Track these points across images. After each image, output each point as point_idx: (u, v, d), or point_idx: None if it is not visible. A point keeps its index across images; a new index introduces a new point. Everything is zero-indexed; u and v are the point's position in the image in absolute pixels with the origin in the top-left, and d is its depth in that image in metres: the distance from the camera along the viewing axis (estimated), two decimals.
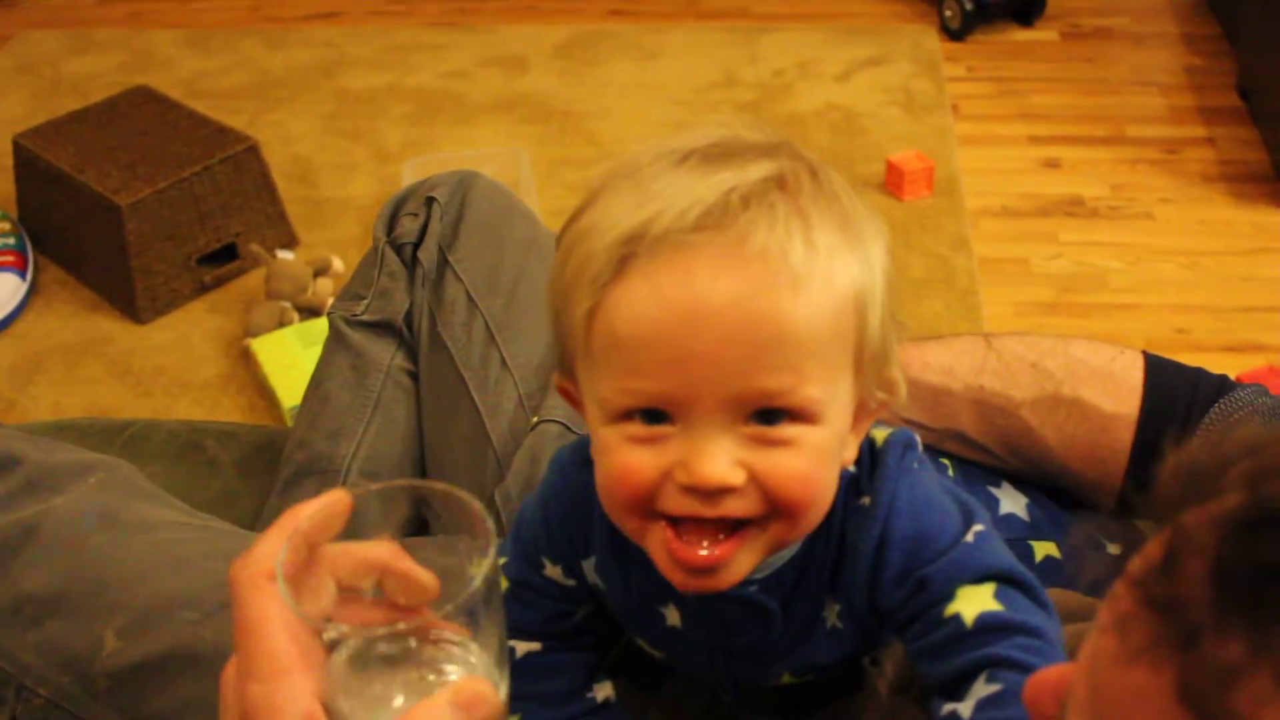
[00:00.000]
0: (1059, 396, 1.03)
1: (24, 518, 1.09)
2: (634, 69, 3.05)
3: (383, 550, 0.67)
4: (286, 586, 0.64)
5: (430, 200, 1.30)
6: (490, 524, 0.66)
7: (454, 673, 0.66)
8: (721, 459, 0.68)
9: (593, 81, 3.00)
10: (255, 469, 1.37)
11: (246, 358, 2.17)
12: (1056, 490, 1.08)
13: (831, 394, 0.70)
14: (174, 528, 1.12)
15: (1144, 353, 1.06)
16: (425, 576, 0.66)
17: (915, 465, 0.79)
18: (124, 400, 2.12)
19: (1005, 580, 0.76)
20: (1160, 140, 2.80)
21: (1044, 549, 1.04)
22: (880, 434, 0.80)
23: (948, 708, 0.73)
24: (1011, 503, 1.05)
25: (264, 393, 2.10)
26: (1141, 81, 3.01)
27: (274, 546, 0.65)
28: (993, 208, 2.60)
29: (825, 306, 0.68)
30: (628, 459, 0.70)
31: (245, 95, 2.96)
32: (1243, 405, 1.00)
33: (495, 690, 0.65)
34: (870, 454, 0.79)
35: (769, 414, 0.69)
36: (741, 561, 0.71)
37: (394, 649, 0.67)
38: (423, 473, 1.29)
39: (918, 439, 0.80)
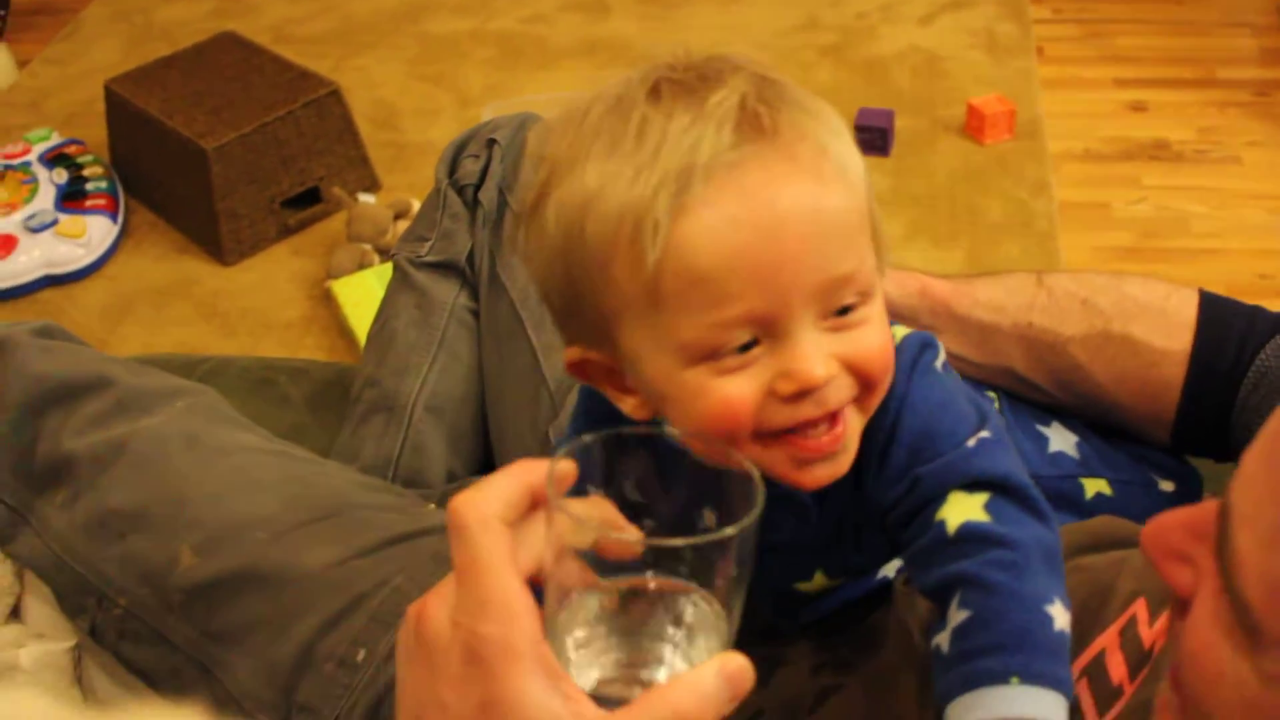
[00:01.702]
0: (1109, 333, 1.03)
1: (113, 436, 1.15)
2: (716, 12, 3.04)
3: (602, 508, 0.66)
4: (563, 506, 0.63)
5: (491, 142, 1.33)
6: (758, 482, 0.65)
7: (699, 638, 0.65)
8: (819, 356, 0.70)
9: (674, 25, 3.00)
10: (325, 404, 1.41)
11: (328, 299, 2.21)
12: (1109, 426, 1.08)
13: (873, 264, 0.73)
14: (253, 452, 1.17)
15: (1200, 290, 1.05)
16: (635, 535, 0.65)
17: (937, 365, 0.80)
18: (210, 340, 2.19)
19: (1000, 489, 0.76)
20: (1251, 82, 2.74)
21: (1095, 486, 1.04)
22: (900, 331, 0.81)
23: (934, 640, 0.74)
24: (1061, 440, 1.06)
25: (344, 333, 2.15)
26: (1233, 23, 2.94)
27: (502, 490, 0.64)
28: (1075, 151, 2.57)
29: (860, 187, 0.72)
30: (727, 392, 0.71)
31: (330, 40, 3.00)
32: None
33: (744, 666, 0.64)
34: None
35: (843, 307, 0.71)
36: (853, 437, 0.74)
37: (630, 606, 0.66)
38: (483, 409, 1.33)
39: (938, 342, 0.82)
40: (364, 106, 2.66)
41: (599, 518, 0.65)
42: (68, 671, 1.21)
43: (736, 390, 0.70)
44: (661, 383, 0.73)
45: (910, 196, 2.41)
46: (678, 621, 0.65)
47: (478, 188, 1.33)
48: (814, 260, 0.69)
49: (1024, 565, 0.73)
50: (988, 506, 0.75)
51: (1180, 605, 0.56)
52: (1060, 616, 0.73)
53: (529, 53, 2.92)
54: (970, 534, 0.74)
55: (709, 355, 0.71)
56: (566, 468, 0.65)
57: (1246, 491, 0.49)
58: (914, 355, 0.79)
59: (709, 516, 0.68)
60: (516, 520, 0.64)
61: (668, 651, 0.65)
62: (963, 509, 0.75)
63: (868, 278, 0.72)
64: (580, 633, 0.65)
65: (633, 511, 0.69)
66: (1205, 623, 0.51)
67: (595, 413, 0.82)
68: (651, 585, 0.64)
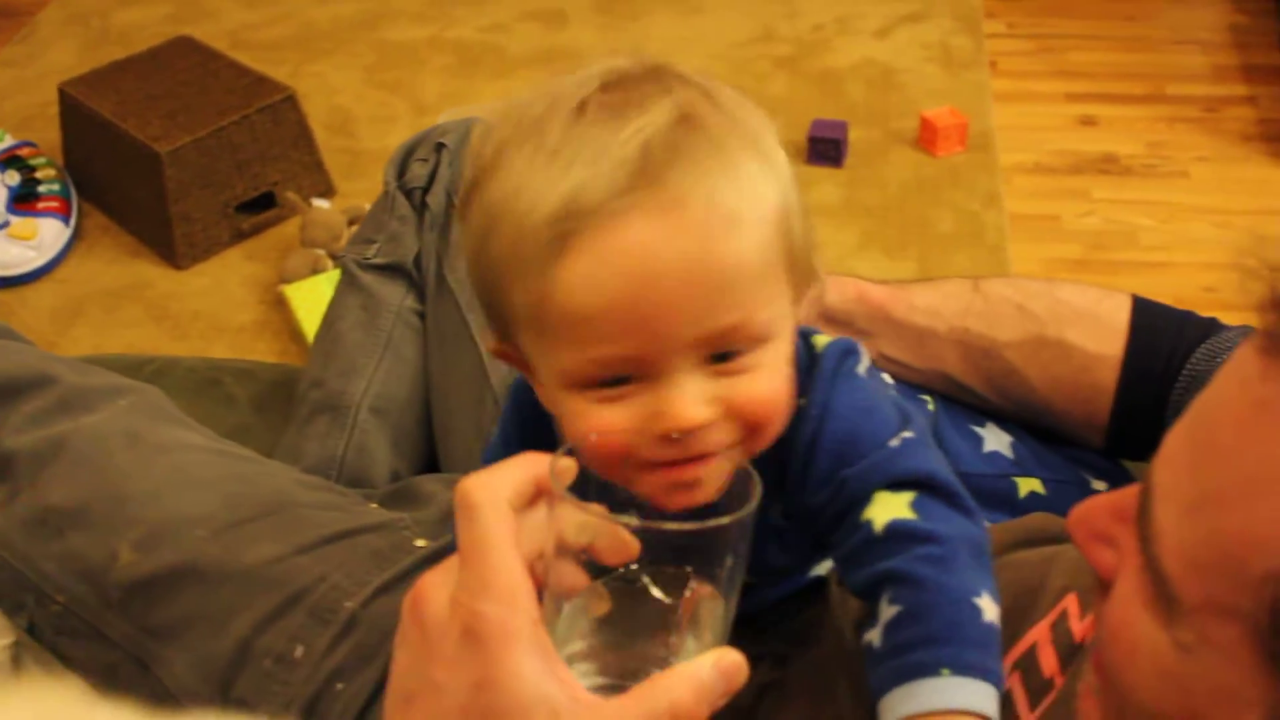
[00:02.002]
0: (1043, 338, 1.05)
1: (54, 434, 1.15)
2: (673, 23, 3.06)
3: (599, 509, 0.67)
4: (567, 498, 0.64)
5: (440, 146, 1.34)
6: (755, 478, 0.68)
7: (694, 632, 0.66)
8: (694, 401, 0.70)
9: (632, 36, 3.01)
10: (270, 405, 1.42)
11: (280, 303, 2.21)
12: (1044, 430, 1.10)
13: (777, 309, 0.73)
14: (195, 451, 1.17)
15: (1132, 296, 1.07)
16: (630, 537, 0.66)
17: (860, 371, 0.81)
18: (161, 343, 2.18)
19: (925, 487, 0.77)
20: (1200, 98, 2.77)
21: (1028, 485, 1.06)
22: (821, 340, 0.82)
23: (865, 637, 0.75)
24: (996, 441, 1.07)
25: (296, 338, 2.14)
26: (1183, 40, 2.98)
27: (512, 476, 0.65)
28: (1026, 164, 2.60)
29: (759, 234, 0.70)
30: (600, 419, 0.71)
31: (288, 46, 3.00)
32: (1229, 347, 1.02)
33: (740, 663, 0.65)
34: (809, 358, 0.81)
35: (724, 354, 0.71)
36: (722, 474, 0.73)
37: (626, 601, 0.67)
38: (428, 411, 1.33)
39: (861, 347, 0.82)
40: (320, 113, 2.65)
41: (598, 510, 0.66)
42: (5, 668, 1.20)
43: (611, 421, 0.71)
44: (550, 394, 0.75)
45: (863, 207, 2.43)
46: (673, 616, 0.67)
47: (425, 191, 1.34)
48: (691, 313, 0.69)
49: (951, 559, 0.75)
50: (913, 504, 0.76)
51: (1103, 587, 0.57)
52: (989, 609, 0.74)
53: (486, 61, 2.93)
54: (897, 531, 0.75)
55: (586, 384, 0.72)
56: (569, 463, 0.67)
57: (1165, 468, 0.50)
58: (835, 362, 0.80)
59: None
60: (522, 508, 0.66)
61: (663, 645, 0.66)
62: (889, 508, 0.76)
63: (760, 326, 0.71)
64: (577, 624, 0.66)
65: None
66: (1126, 599, 0.53)
67: (525, 409, 0.83)
68: (646, 579, 0.65)
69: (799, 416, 0.78)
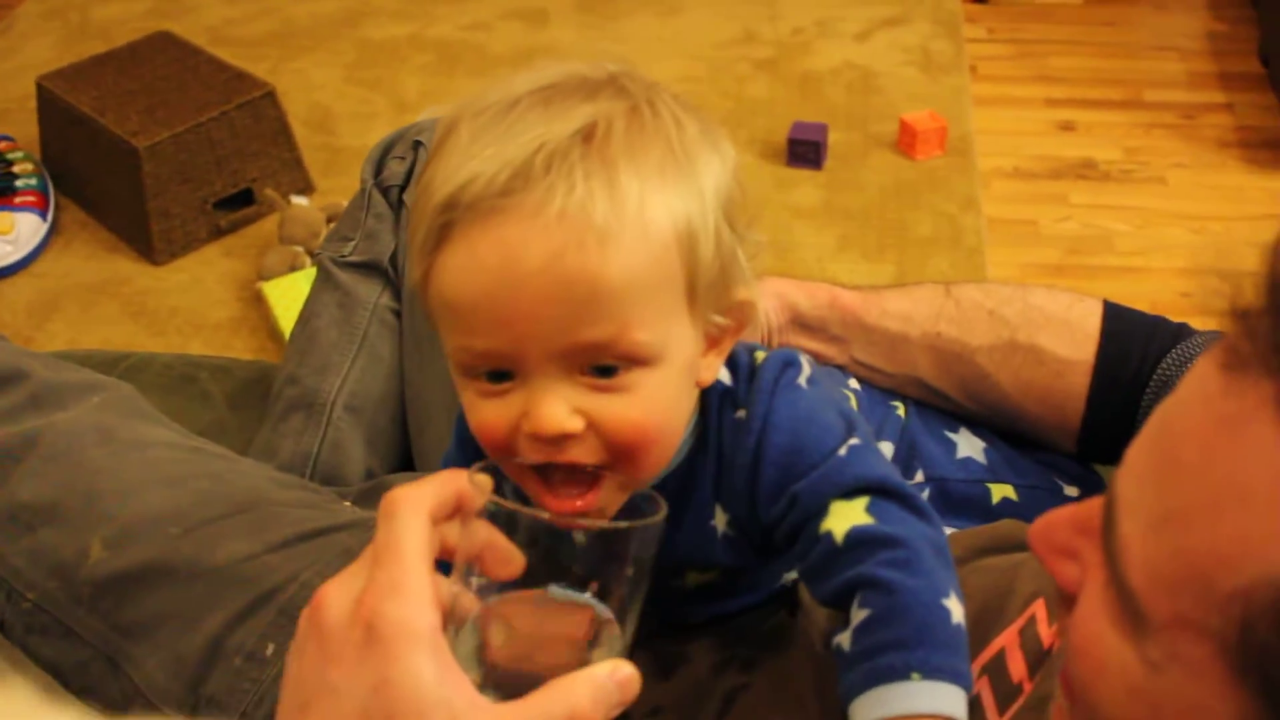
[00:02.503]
0: (1015, 343, 1.06)
1: (26, 430, 1.14)
2: (654, 24, 3.06)
3: (486, 527, 0.68)
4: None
5: (417, 144, 1.33)
6: (660, 500, 0.69)
7: (595, 644, 0.67)
8: (558, 408, 0.71)
9: (612, 36, 3.02)
10: (246, 402, 1.41)
11: (258, 300, 2.21)
12: (1016, 435, 1.11)
13: (664, 333, 0.73)
14: (168, 447, 1.17)
15: (1104, 301, 1.08)
16: (518, 555, 0.67)
17: (800, 382, 0.81)
18: (138, 339, 2.17)
19: (879, 491, 0.77)
20: (1178, 105, 2.79)
21: (1001, 491, 1.06)
22: (760, 354, 0.82)
23: (835, 640, 0.76)
24: (969, 446, 1.08)
25: (274, 335, 2.14)
26: (1162, 46, 3.00)
27: (436, 489, 0.67)
28: (1004, 169, 2.61)
29: (640, 254, 0.70)
30: (482, 413, 0.73)
31: (269, 43, 2.99)
32: (1200, 352, 1.02)
33: (635, 677, 0.66)
34: (750, 370, 0.82)
35: (601, 368, 0.71)
36: (608, 503, 0.74)
37: (531, 611, 0.68)
38: (403, 409, 1.33)
39: (802, 358, 0.83)
40: (300, 110, 2.65)
41: (486, 536, 0.67)
42: None
43: (490, 414, 0.73)
44: (455, 382, 0.76)
45: (842, 210, 2.44)
46: (572, 631, 0.67)
47: (403, 189, 1.33)
48: (554, 323, 0.70)
49: (916, 562, 0.75)
50: (870, 509, 0.77)
51: (1066, 601, 0.57)
52: (956, 610, 0.74)
53: (467, 59, 2.93)
54: (859, 539, 0.76)
55: (471, 374, 0.73)
56: (484, 478, 0.68)
57: (1129, 480, 0.50)
58: (775, 375, 0.81)
59: None
60: (442, 521, 0.67)
61: (562, 659, 0.66)
62: (846, 516, 0.76)
63: (635, 347, 0.71)
64: (478, 635, 0.67)
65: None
66: (1091, 615, 0.52)
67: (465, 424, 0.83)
68: (550, 592, 0.66)
69: (740, 429, 0.80)
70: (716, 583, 0.88)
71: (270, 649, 0.99)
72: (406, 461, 1.34)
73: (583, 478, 0.73)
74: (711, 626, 0.91)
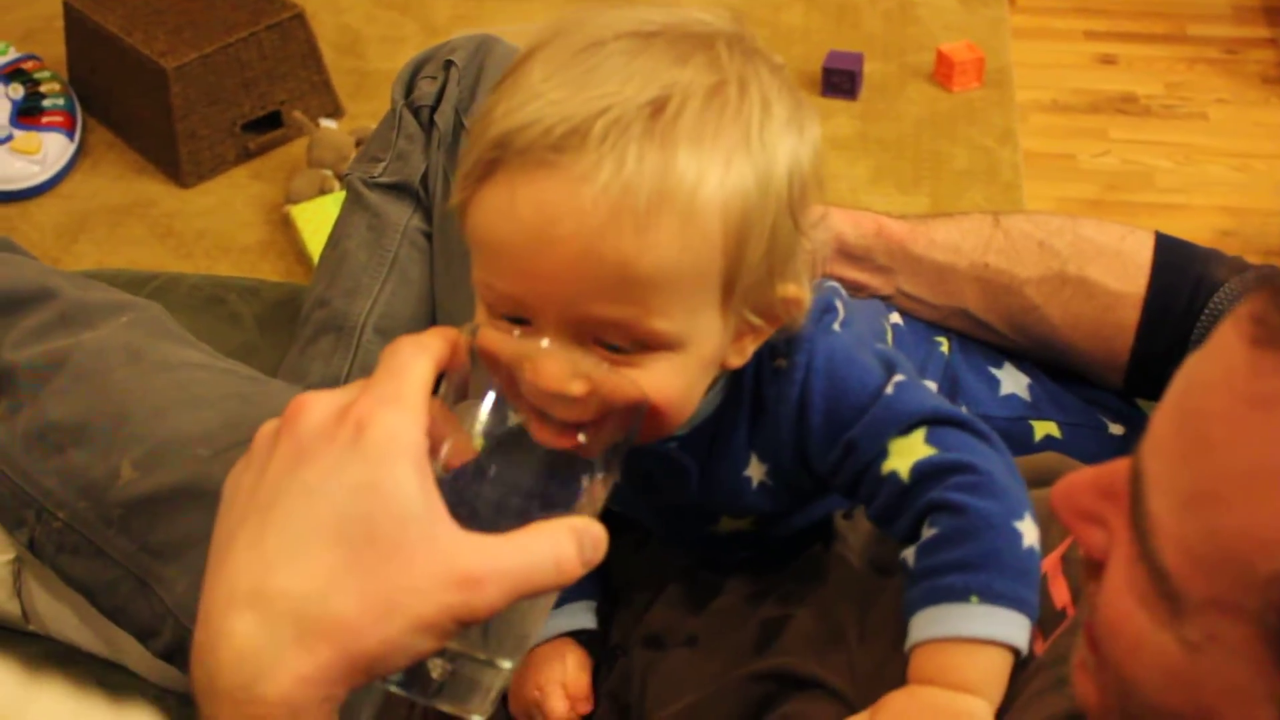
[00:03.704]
0: (1064, 274, 1.03)
1: (55, 349, 1.13)
2: None
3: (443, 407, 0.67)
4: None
5: (448, 64, 1.31)
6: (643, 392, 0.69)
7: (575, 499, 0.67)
8: (560, 369, 0.67)
9: None
10: (275, 324, 1.40)
11: (286, 224, 2.19)
12: (1061, 369, 1.08)
13: (686, 325, 0.70)
14: (197, 368, 1.16)
15: (1155, 233, 1.05)
16: (470, 444, 0.66)
17: (835, 327, 0.79)
18: (165, 262, 2.16)
19: (934, 422, 0.76)
20: (1221, 40, 2.74)
21: (1044, 428, 1.04)
22: None
23: (902, 554, 0.75)
24: (1013, 383, 1.06)
25: (302, 259, 2.13)
26: None
27: (440, 340, 0.66)
28: (1043, 102, 2.57)
29: (677, 246, 0.67)
30: (491, 340, 0.70)
31: None
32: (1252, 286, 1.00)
33: (605, 538, 0.65)
34: None
35: (613, 344, 0.69)
36: (600, 443, 0.70)
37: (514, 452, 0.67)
38: None
39: (837, 301, 0.81)
40: (329, 32, 2.62)
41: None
42: (7, 584, 1.20)
43: (500, 346, 0.69)
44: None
45: (877, 141, 2.40)
46: (553, 477, 0.67)
47: (434, 109, 1.31)
48: (575, 291, 0.68)
49: (988, 484, 0.74)
50: (929, 440, 0.76)
51: (1092, 566, 0.55)
52: (1029, 532, 0.74)
53: None
54: (926, 471, 0.75)
55: (487, 307, 0.72)
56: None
57: (1157, 454, 0.48)
58: (815, 321, 0.79)
59: None
60: (440, 369, 0.66)
61: (538, 503, 0.66)
62: (908, 452, 0.76)
63: (651, 334, 0.69)
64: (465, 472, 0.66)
65: None
66: (1121, 591, 0.50)
67: None
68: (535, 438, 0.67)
69: (782, 379, 0.78)
70: (750, 529, 0.87)
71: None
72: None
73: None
74: (748, 562, 0.90)
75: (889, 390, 0.77)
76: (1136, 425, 1.07)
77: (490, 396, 0.68)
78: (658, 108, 0.67)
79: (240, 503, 0.63)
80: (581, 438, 0.69)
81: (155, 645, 1.05)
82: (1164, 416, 0.48)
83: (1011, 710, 0.72)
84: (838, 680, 0.79)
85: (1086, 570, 0.56)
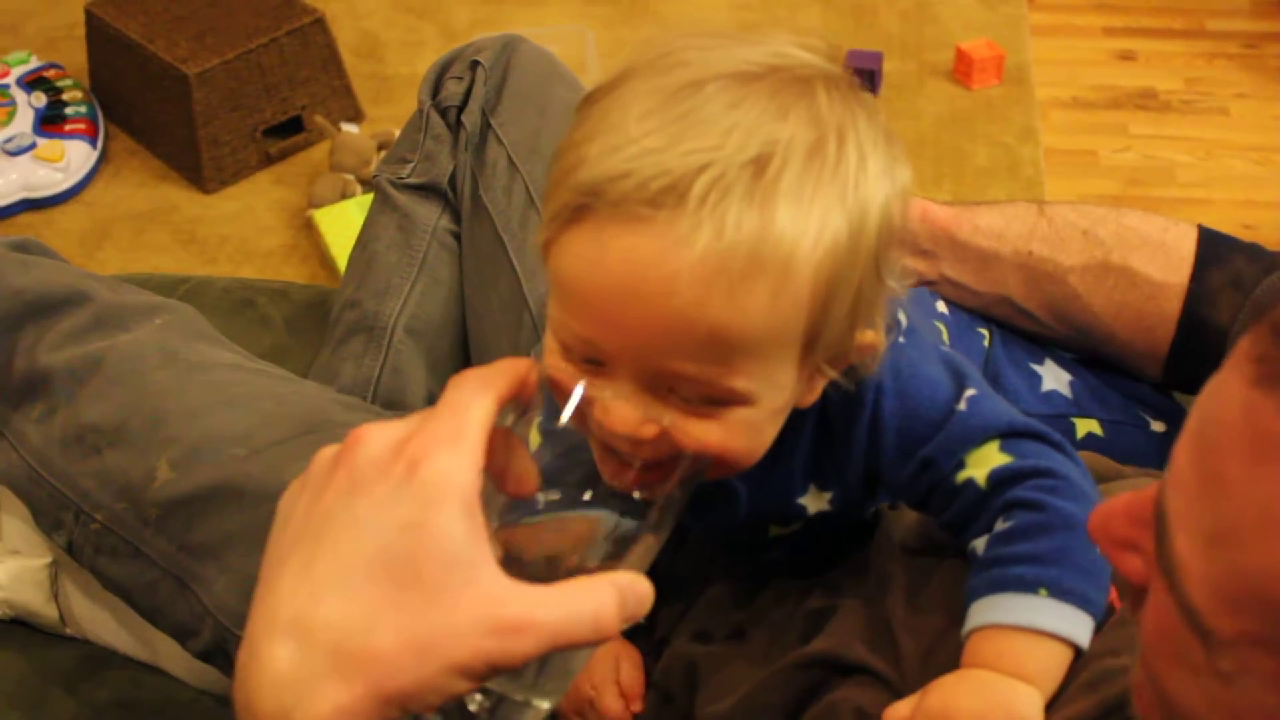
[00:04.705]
0: (1108, 264, 1.03)
1: (91, 351, 1.13)
2: None
3: (514, 437, 0.67)
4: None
5: (475, 64, 1.31)
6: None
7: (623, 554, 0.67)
8: (633, 416, 0.67)
9: None
10: (305, 327, 1.41)
11: (309, 228, 2.19)
12: (1102, 360, 1.08)
13: (763, 382, 0.69)
14: (231, 369, 1.16)
15: (1199, 225, 1.05)
16: (532, 472, 0.66)
17: (900, 340, 0.78)
18: (189, 268, 2.16)
19: (1008, 435, 0.76)
20: (1241, 34, 2.73)
21: (1086, 426, 1.04)
22: None
23: (971, 544, 0.76)
24: (1054, 379, 1.06)
25: (325, 263, 2.13)
26: None
27: (506, 374, 0.65)
28: (1063, 99, 2.56)
29: (766, 311, 0.66)
30: (561, 374, 0.70)
31: None
32: None
33: (651, 594, 0.65)
34: None
35: (689, 395, 0.68)
36: (665, 485, 0.69)
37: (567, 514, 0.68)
38: (464, 333, 1.32)
39: (900, 314, 0.79)
40: (349, 37, 2.62)
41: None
42: (45, 588, 1.21)
43: (569, 380, 0.68)
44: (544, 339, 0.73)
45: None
46: (603, 531, 0.67)
47: (461, 109, 1.32)
48: (658, 348, 0.66)
49: (1067, 488, 0.75)
50: (1004, 449, 0.76)
51: (1135, 594, 0.54)
52: None
53: None
54: (1004, 477, 0.75)
55: (561, 346, 0.70)
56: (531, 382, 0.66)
57: (1179, 492, 0.47)
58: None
59: None
60: (505, 404, 0.65)
61: (587, 559, 0.66)
62: (984, 461, 0.76)
63: (727, 391, 0.68)
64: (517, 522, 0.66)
65: None
66: (1160, 620, 0.50)
67: None
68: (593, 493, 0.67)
69: (851, 403, 0.77)
70: (799, 532, 0.87)
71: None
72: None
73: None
74: (795, 555, 0.90)
75: (962, 406, 0.76)
76: (1177, 422, 1.07)
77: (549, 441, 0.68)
78: (760, 167, 0.65)
79: (294, 526, 0.63)
80: (649, 481, 0.68)
81: (194, 646, 1.05)
82: (1183, 451, 0.48)
83: (1058, 702, 0.72)
84: (884, 666, 0.79)
85: (1131, 597, 0.55)
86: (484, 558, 0.60)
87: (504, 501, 0.66)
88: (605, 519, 0.67)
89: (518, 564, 0.63)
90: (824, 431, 0.79)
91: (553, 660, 0.64)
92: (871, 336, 0.73)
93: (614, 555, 0.66)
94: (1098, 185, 2.36)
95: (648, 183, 0.64)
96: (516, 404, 0.66)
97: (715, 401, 0.68)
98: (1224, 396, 0.45)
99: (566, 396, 0.68)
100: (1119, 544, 0.54)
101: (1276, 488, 0.43)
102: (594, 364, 0.69)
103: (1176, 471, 0.48)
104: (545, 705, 0.66)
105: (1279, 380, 0.43)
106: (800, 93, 0.68)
